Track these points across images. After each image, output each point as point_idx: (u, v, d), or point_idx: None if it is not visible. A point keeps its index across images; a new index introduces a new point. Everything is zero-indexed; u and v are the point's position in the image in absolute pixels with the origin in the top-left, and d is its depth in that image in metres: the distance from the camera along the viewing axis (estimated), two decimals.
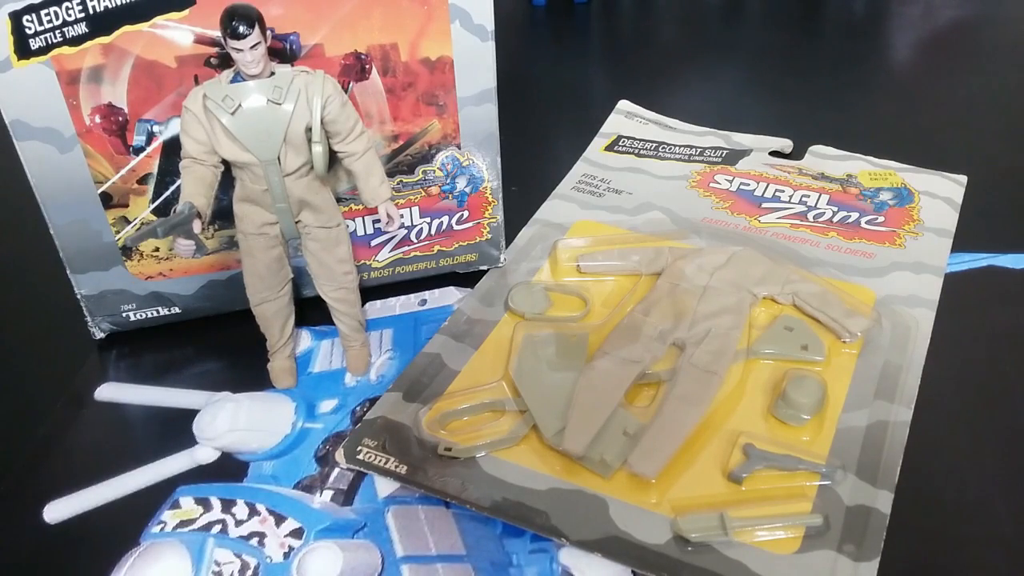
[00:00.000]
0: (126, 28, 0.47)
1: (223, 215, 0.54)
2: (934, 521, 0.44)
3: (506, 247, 0.63)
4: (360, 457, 0.48)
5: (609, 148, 0.77)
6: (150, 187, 0.52)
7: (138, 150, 0.51)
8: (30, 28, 0.46)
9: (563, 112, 0.86)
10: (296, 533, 0.45)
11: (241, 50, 0.42)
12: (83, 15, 0.46)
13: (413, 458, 0.48)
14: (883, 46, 1.00)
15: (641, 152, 0.76)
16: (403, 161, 0.56)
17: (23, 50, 0.46)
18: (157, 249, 0.55)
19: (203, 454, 0.50)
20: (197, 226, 0.44)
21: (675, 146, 0.77)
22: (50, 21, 0.46)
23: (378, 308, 0.60)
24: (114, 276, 0.55)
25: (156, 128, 0.51)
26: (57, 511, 0.47)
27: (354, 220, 0.57)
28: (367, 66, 0.52)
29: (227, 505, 0.46)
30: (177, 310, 0.58)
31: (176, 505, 0.47)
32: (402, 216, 0.58)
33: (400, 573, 0.43)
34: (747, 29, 1.05)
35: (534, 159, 0.76)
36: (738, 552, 0.42)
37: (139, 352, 0.57)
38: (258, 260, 0.49)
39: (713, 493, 0.45)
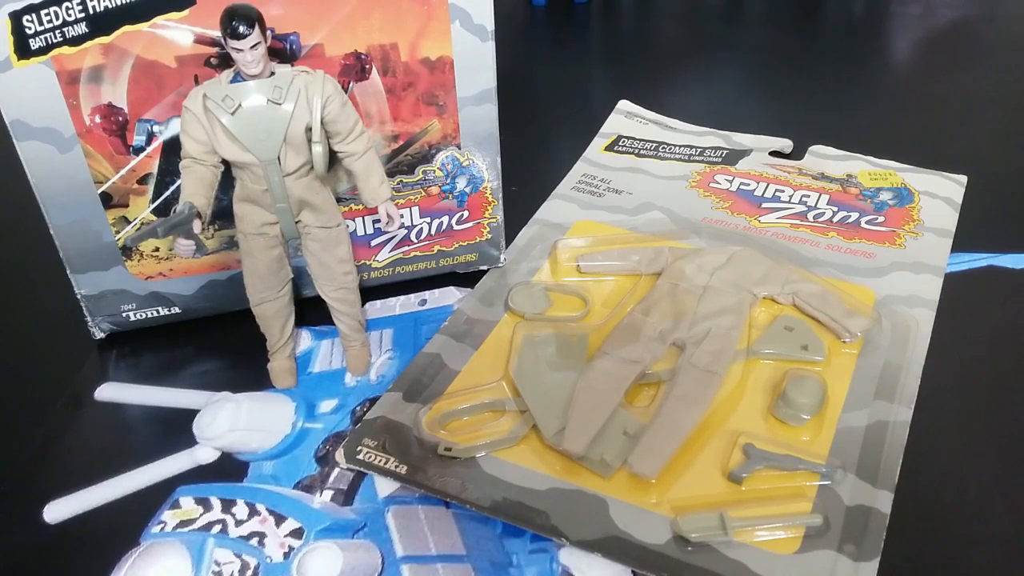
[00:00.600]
0: (126, 28, 0.47)
1: (223, 215, 0.54)
2: (934, 521, 0.44)
3: (506, 247, 0.63)
4: (360, 457, 0.48)
5: (609, 148, 0.77)
6: (150, 187, 0.52)
7: (138, 150, 0.51)
8: (30, 28, 0.46)
9: (563, 112, 0.86)
10: (296, 533, 0.45)
11: (241, 50, 0.42)
12: (83, 15, 0.46)
13: (413, 458, 0.48)
14: (883, 46, 1.00)
15: (641, 152, 0.76)
16: (403, 161, 0.56)
17: (23, 50, 0.46)
18: (157, 249, 0.55)
19: (203, 454, 0.50)
20: (197, 226, 0.44)
21: (675, 146, 0.77)
22: (50, 21, 0.46)
23: (378, 308, 0.60)
24: (114, 276, 0.55)
25: (156, 128, 0.51)
26: (57, 511, 0.47)
27: (354, 220, 0.57)
28: (367, 66, 0.52)
29: (227, 505, 0.46)
30: (177, 310, 0.58)
31: (176, 505, 0.47)
32: (402, 216, 0.58)
33: (400, 573, 0.43)
34: (747, 29, 1.05)
35: (534, 159, 0.76)
36: (738, 552, 0.42)
37: (139, 352, 0.57)
38: (258, 260, 0.49)
39: (713, 493, 0.45)
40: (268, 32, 0.44)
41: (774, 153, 0.76)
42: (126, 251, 0.54)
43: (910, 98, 0.86)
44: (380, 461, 0.48)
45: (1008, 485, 0.46)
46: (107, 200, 0.52)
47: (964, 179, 0.71)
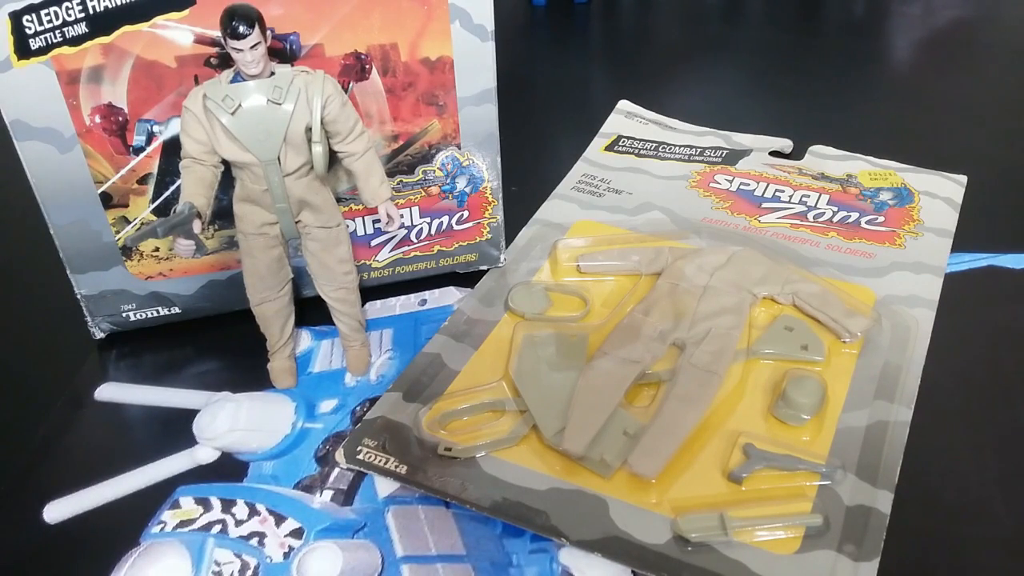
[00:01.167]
0: (126, 28, 0.47)
1: (223, 215, 0.54)
2: (934, 521, 0.44)
3: (506, 247, 0.63)
4: (360, 457, 0.48)
5: (609, 148, 0.77)
6: (150, 187, 0.52)
7: (138, 150, 0.51)
8: (30, 28, 0.46)
9: (563, 112, 0.86)
10: (296, 533, 0.45)
11: (241, 50, 0.42)
12: (83, 15, 0.46)
13: (413, 458, 0.48)
14: (883, 46, 1.00)
15: (641, 152, 0.76)
16: (403, 161, 0.56)
17: (23, 50, 0.46)
18: (157, 249, 0.55)
19: (203, 454, 0.50)
20: (197, 226, 0.44)
21: (675, 146, 0.77)
22: (50, 21, 0.46)
23: (378, 308, 0.60)
24: (114, 276, 0.55)
25: (156, 128, 0.51)
26: (57, 511, 0.47)
27: (354, 220, 0.57)
28: (367, 66, 0.52)
29: (227, 505, 0.46)
30: (177, 310, 0.58)
31: (176, 505, 0.47)
32: (402, 216, 0.58)
33: (400, 573, 0.43)
34: (747, 29, 1.05)
35: (534, 159, 0.76)
36: (738, 552, 0.42)
37: (139, 352, 0.57)
38: (258, 260, 0.49)
39: (713, 493, 0.45)
40: (268, 32, 0.44)
41: (774, 153, 0.76)
42: (126, 251, 0.54)
43: (910, 98, 0.86)
44: (380, 461, 0.48)
45: (1009, 485, 0.46)
46: (107, 200, 0.52)
47: (964, 179, 0.71)
